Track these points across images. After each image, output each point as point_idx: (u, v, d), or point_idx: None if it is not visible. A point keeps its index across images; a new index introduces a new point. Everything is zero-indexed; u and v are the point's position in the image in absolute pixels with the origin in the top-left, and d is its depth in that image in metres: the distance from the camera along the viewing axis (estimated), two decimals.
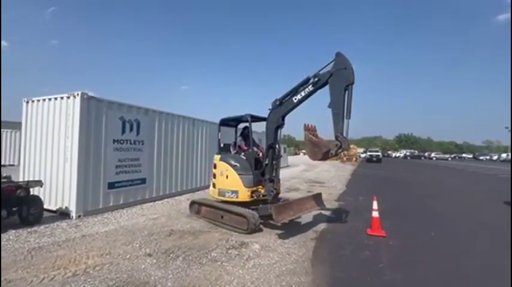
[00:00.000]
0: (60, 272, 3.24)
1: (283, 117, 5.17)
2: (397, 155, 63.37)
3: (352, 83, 4.43)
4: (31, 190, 5.21)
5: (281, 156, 5.77)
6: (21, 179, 6.03)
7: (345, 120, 4.43)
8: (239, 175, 5.29)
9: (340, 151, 4.43)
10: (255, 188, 5.30)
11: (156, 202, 7.46)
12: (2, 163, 16.18)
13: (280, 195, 6.00)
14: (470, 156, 65.06)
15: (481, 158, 55.06)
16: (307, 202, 5.67)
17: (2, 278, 3.07)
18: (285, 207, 5.01)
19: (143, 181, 7.29)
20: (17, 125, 16.43)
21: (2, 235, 4.47)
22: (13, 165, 16.24)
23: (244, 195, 5.22)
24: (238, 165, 5.38)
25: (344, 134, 4.39)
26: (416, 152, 64.14)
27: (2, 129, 17.35)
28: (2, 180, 4.97)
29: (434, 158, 55.11)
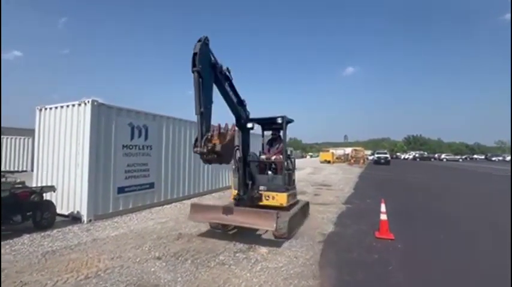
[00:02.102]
0: (73, 275, 3.33)
1: (236, 119, 5.04)
2: (405, 157, 62.37)
3: (193, 70, 3.78)
4: (44, 195, 5.37)
5: (239, 160, 5.21)
6: (34, 185, 6.20)
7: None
8: (234, 177, 5.57)
9: (196, 150, 3.83)
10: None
11: (164, 206, 7.55)
12: (15, 169, 16.67)
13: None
14: (482, 157, 63.59)
15: (494, 159, 53.75)
16: (244, 215, 4.57)
17: (18, 281, 3.18)
18: (205, 208, 4.94)
19: (151, 185, 7.40)
20: (28, 132, 16.99)
21: (16, 239, 4.63)
22: (26, 171, 16.71)
23: (232, 195, 5.48)
24: (234, 168, 5.58)
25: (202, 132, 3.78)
26: (426, 153, 63.01)
27: (14, 137, 17.92)
28: (16, 185, 5.15)
29: (444, 160, 54.03)
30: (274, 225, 4.29)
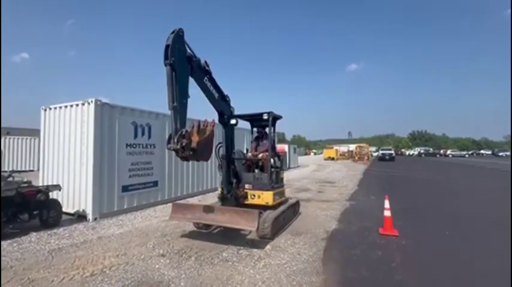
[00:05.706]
0: (78, 272, 3.38)
1: (219, 115, 4.86)
2: (411, 153, 61.88)
3: (165, 63, 3.62)
4: (50, 194, 5.44)
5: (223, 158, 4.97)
6: (40, 184, 6.29)
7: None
8: (219, 175, 5.36)
9: (169, 147, 3.70)
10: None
11: (168, 204, 7.58)
12: (22, 169, 16.94)
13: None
14: (489, 152, 62.62)
15: (501, 154, 52.80)
16: (225, 214, 4.46)
17: (25, 278, 3.24)
18: (186, 208, 4.86)
19: (155, 183, 7.46)
20: (35, 132, 17.24)
21: (24, 237, 4.71)
22: (32, 171, 16.97)
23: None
24: (218, 165, 5.38)
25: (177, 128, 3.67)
26: (431, 149, 62.41)
27: (21, 137, 18.21)
28: (23, 185, 5.22)
29: (450, 156, 53.36)
30: (256, 225, 4.11)
